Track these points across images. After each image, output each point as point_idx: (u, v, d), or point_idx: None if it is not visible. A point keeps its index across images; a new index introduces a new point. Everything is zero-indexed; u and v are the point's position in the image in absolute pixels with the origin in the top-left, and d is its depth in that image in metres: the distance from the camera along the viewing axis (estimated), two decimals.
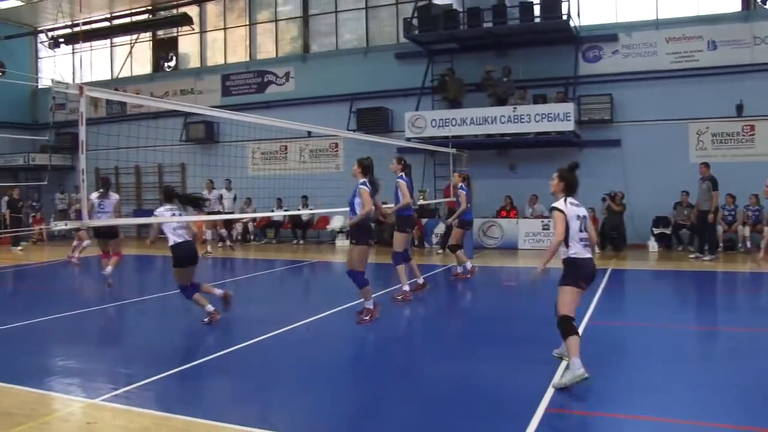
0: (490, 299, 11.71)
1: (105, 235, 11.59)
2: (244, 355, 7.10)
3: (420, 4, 19.78)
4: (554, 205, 5.88)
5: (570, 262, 5.81)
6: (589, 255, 5.83)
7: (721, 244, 16.12)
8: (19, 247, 20.21)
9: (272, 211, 19.68)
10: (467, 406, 5.31)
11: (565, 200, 5.83)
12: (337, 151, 21.25)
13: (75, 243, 14.76)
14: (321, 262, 16.37)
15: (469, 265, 12.52)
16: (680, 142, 17.54)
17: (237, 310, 9.20)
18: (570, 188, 5.88)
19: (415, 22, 19.33)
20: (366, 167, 8.56)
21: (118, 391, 5.66)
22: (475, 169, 16.74)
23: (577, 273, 5.78)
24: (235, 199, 19.26)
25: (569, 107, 17.20)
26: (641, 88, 17.99)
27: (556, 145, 17.94)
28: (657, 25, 18.16)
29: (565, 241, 5.73)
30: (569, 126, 17.12)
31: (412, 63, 20.25)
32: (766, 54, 16.99)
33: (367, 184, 8.42)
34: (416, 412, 5.26)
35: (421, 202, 16.73)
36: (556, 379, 5.69)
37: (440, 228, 18.54)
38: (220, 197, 18.07)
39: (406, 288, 10.20)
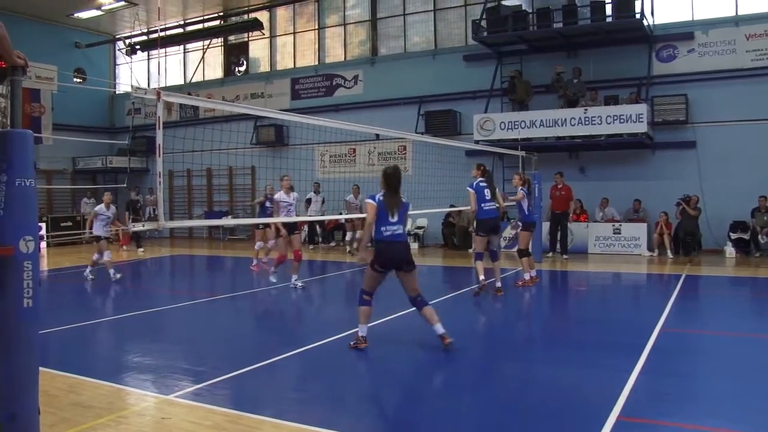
0: (559, 303, 11.58)
1: None
2: (316, 355, 7.23)
3: (489, 5, 19.66)
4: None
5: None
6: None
7: None
8: (141, 249, 20.43)
9: (340, 213, 19.87)
10: (540, 409, 5.34)
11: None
12: (405, 153, 21.31)
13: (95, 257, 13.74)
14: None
15: (534, 272, 12.36)
16: (760, 144, 16.88)
17: (309, 311, 9.37)
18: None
19: (483, 23, 19.20)
20: (386, 176, 7.27)
21: (191, 388, 5.87)
22: (545, 172, 16.56)
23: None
24: (323, 202, 19.07)
25: (642, 108, 16.79)
26: (718, 87, 17.41)
27: (628, 147, 17.57)
28: (736, 21, 17.54)
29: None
30: (642, 128, 16.70)
31: (480, 65, 20.15)
32: None
33: (376, 198, 7.17)
34: (488, 415, 5.29)
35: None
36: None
37: (508, 231, 18.42)
38: (308, 200, 18.38)
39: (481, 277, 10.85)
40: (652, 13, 18.28)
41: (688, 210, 16.32)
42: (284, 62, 24.86)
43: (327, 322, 9.36)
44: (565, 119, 17.54)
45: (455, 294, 11.50)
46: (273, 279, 12.59)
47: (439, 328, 7.09)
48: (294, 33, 24.67)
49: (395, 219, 7.08)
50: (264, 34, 24.90)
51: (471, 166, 11.55)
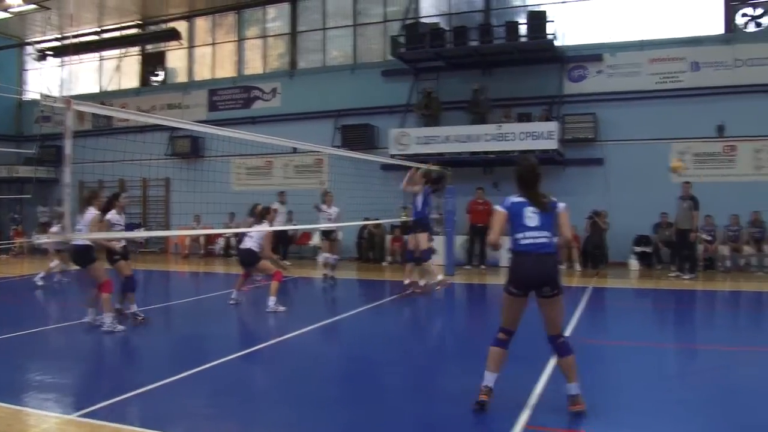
0: (471, 315, 11.72)
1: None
2: (223, 370, 6.99)
3: (407, 22, 19.92)
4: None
5: None
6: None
7: (700, 263, 16.15)
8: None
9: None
10: (445, 420, 5.32)
11: None
12: (322, 167, 21.24)
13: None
14: (303, 278, 16.26)
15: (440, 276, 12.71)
16: (662, 162, 17.53)
17: (213, 327, 9.16)
18: None
19: (402, 39, 19.43)
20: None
21: (94, 407, 5.51)
22: (460, 187, 16.77)
23: None
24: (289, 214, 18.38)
25: (553, 126, 17.29)
26: (625, 107, 18.11)
27: (540, 163, 17.90)
28: (641, 45, 18.31)
29: None
30: (553, 144, 17.19)
31: (398, 80, 20.35)
32: (747, 76, 17.15)
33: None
34: (393, 427, 5.24)
35: (404, 218, 16.72)
36: None
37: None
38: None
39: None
40: (564, 35, 18.86)
41: (600, 224, 16.82)
42: (202, 73, 24.49)
43: (233, 336, 9.15)
44: (479, 135, 17.87)
45: (371, 306, 11.51)
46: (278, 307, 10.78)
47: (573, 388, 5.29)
48: (213, 44, 24.36)
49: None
50: (182, 44, 24.48)
51: (387, 179, 11.67)
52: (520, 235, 5.25)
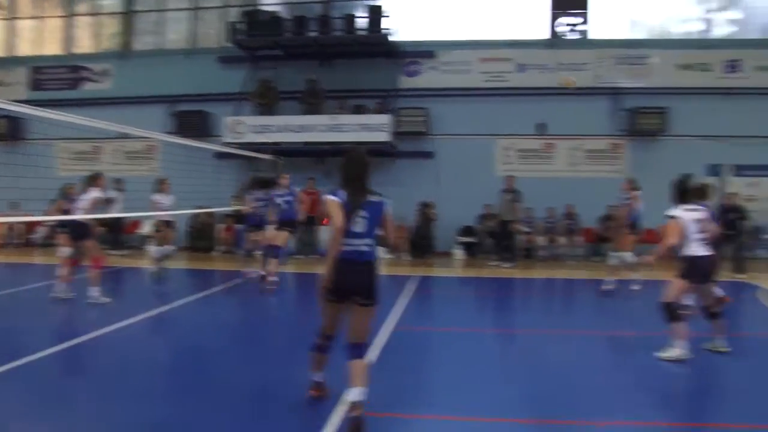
0: (299, 305, 11.76)
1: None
2: (37, 368, 6.56)
3: (247, 9, 19.61)
4: (668, 212, 7.05)
5: (685, 260, 6.96)
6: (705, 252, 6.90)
7: (521, 252, 17.11)
8: None
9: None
10: (259, 410, 5.37)
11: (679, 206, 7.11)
12: (153, 154, 20.48)
13: None
14: (128, 269, 15.65)
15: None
16: (488, 157, 18.52)
17: (28, 321, 8.64)
18: (687, 195, 7.19)
19: (240, 26, 19.10)
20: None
21: None
22: (294, 177, 16.69)
23: (690, 269, 6.97)
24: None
25: (386, 119, 17.68)
26: (455, 103, 18.82)
27: (372, 155, 18.19)
28: (472, 45, 19.09)
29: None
30: (386, 137, 17.60)
31: (235, 67, 19.96)
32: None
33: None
34: (211, 419, 5.17)
35: (235, 207, 16.47)
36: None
37: None
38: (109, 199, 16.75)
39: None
40: (400, 31, 19.28)
41: (428, 215, 17.39)
42: (24, 48, 22.82)
43: (47, 332, 8.61)
44: (314, 125, 17.96)
45: (201, 295, 11.29)
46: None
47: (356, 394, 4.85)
48: (38, 17, 22.75)
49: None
50: (2, 15, 22.72)
51: (221, 168, 11.25)
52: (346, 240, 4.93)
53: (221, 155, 17.94)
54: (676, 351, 6.80)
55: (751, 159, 17.75)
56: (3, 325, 8.85)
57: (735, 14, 19.29)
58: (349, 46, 19.03)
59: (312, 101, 18.54)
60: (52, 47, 22.48)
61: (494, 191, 16.95)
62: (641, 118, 17.85)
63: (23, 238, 20.29)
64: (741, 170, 17.85)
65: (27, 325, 8.68)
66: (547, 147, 18.52)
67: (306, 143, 18.11)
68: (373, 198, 5.05)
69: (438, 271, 15.57)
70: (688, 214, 6.88)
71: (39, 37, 22.72)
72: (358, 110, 18.56)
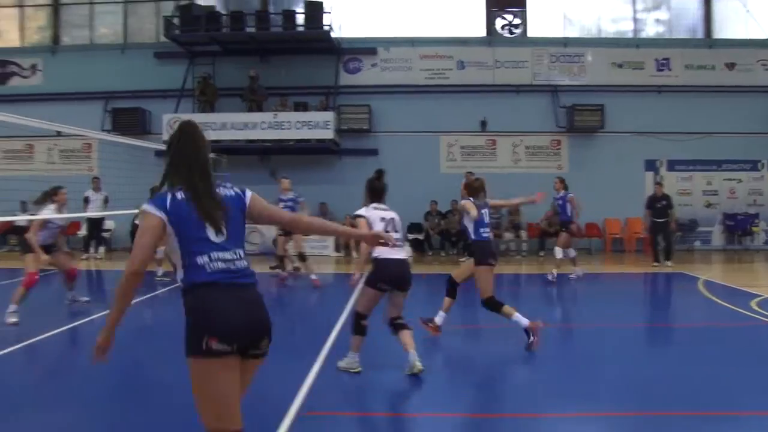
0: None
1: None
2: None
3: (181, 3, 19.18)
4: (357, 212, 6.41)
5: (375, 263, 6.20)
6: (396, 256, 6.21)
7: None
8: None
9: (15, 215, 17.84)
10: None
11: (368, 206, 6.42)
12: (90, 152, 19.84)
13: None
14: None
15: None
16: (432, 154, 18.69)
17: None
18: (374, 195, 6.55)
19: (176, 21, 18.67)
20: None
21: None
22: (236, 175, 16.45)
23: (379, 273, 6.16)
24: (106, 201, 16.57)
25: (329, 116, 17.63)
26: (398, 100, 18.92)
27: (316, 152, 18.26)
28: (413, 42, 19.19)
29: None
30: (329, 134, 17.54)
31: (172, 63, 19.49)
32: (505, 76, 18.77)
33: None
34: (156, 422, 5.07)
35: None
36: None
37: None
38: (86, 199, 16.36)
39: None
40: (340, 27, 19.22)
41: None
42: None
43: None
44: (256, 123, 17.74)
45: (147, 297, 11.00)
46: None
47: None
48: None
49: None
50: None
51: (161, 166, 10.82)
52: (201, 260, 3.08)
53: (162, 153, 17.48)
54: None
55: (684, 155, 18.49)
56: None
57: (663, 14, 20.02)
58: (289, 43, 18.89)
59: (253, 98, 18.30)
60: None
61: (439, 188, 17.16)
62: (579, 115, 18.33)
63: None
64: (675, 165, 18.58)
65: None
66: (489, 143, 18.81)
67: (248, 141, 17.85)
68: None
69: None
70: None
71: None
72: (300, 107, 18.42)
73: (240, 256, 3.15)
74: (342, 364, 6.26)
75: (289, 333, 8.43)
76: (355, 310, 6.44)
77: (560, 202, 13.02)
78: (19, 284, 9.02)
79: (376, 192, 6.64)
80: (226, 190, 3.24)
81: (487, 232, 7.75)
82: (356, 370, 6.17)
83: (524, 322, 7.05)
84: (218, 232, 3.09)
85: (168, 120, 17.98)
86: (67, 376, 6.62)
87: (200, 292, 3.02)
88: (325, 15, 18.20)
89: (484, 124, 18.78)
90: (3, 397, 5.76)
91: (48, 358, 7.43)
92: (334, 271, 15.51)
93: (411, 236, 18.13)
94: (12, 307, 8.81)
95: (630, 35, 19.68)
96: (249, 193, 3.30)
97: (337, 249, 17.72)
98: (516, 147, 18.83)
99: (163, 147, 16.03)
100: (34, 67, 20.66)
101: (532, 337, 6.97)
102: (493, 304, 7.33)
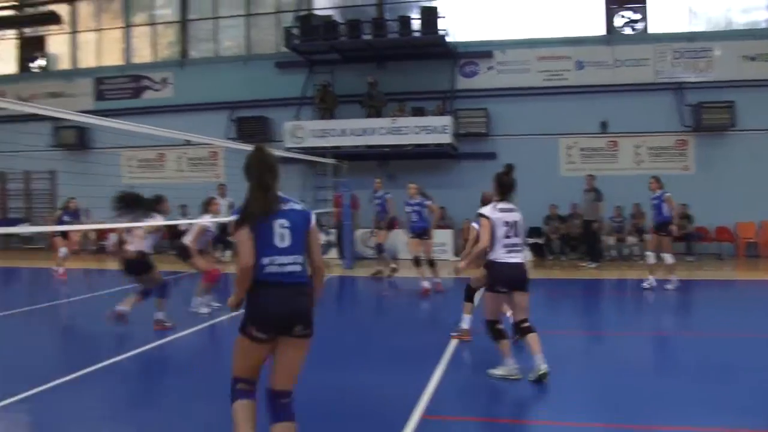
0: (369, 309, 11.83)
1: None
2: (113, 372, 6.80)
3: (300, 14, 19.78)
4: (480, 210, 6.33)
5: (490, 266, 6.22)
6: (513, 260, 6.19)
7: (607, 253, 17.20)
8: None
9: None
10: (342, 415, 5.40)
11: (495, 206, 6.26)
12: (216, 159, 20.80)
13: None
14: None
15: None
16: (551, 156, 18.40)
17: (99, 327, 8.84)
18: (502, 190, 6.36)
19: (295, 31, 19.27)
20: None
21: None
22: (356, 180, 16.86)
23: (496, 277, 6.18)
24: (231, 206, 17.02)
25: (447, 120, 17.67)
26: (515, 103, 18.71)
27: (434, 157, 18.36)
28: (529, 43, 18.95)
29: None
30: (447, 138, 17.58)
31: (292, 72, 20.16)
32: (626, 75, 18.16)
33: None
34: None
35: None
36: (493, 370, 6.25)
37: (321, 238, 18.60)
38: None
39: None
40: (456, 31, 19.25)
41: None
42: (87, 60, 23.36)
43: (129, 335, 8.83)
44: (374, 129, 18.03)
45: None
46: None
47: None
48: (98, 30, 23.28)
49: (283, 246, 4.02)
50: (64, 29, 23.29)
51: (283, 173, 11.23)
52: (266, 260, 3.90)
53: (283, 160, 18.03)
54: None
55: None
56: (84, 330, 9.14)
57: None
58: (405, 49, 19.08)
59: (372, 104, 18.61)
60: (113, 58, 22.98)
61: (559, 191, 16.88)
62: (706, 113, 17.47)
63: (95, 245, 20.83)
64: None
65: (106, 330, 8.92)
66: (610, 145, 18.30)
67: (368, 146, 18.17)
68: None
69: None
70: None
71: (100, 49, 23.22)
72: (418, 112, 18.58)
73: (296, 261, 3.95)
74: (499, 372, 6.21)
75: (412, 337, 8.60)
76: (485, 319, 6.47)
77: (656, 202, 12.31)
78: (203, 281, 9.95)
79: (504, 187, 6.48)
80: (295, 206, 4.07)
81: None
82: (516, 377, 6.10)
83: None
84: (281, 239, 3.91)
85: (289, 127, 18.62)
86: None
87: (256, 287, 3.89)
88: (440, 20, 18.25)
89: (604, 125, 18.29)
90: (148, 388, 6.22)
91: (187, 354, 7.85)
92: (453, 275, 15.49)
93: (530, 240, 17.93)
94: (201, 300, 9.87)
95: (763, 26, 18.59)
96: (313, 217, 4.15)
97: (457, 254, 17.73)
98: (638, 148, 18.21)
99: (285, 154, 16.67)
100: (164, 81, 21.88)
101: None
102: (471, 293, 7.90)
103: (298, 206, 4.08)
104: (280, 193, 4.04)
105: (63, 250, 14.64)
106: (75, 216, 14.82)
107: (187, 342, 8.42)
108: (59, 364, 7.24)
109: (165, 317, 8.86)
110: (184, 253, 9.91)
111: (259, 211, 3.92)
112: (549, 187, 17.63)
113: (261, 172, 4.04)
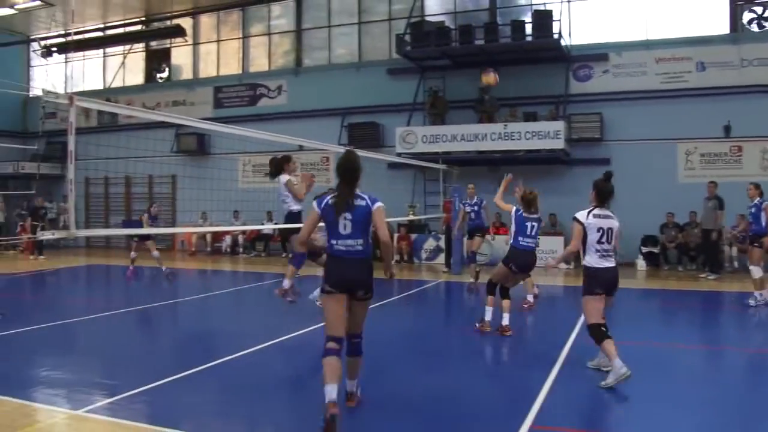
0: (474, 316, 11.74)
1: None
2: (235, 367, 7.07)
3: (413, 20, 19.96)
4: (576, 214, 6.57)
5: (585, 271, 6.47)
6: (606, 264, 6.38)
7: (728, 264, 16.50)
8: (42, 257, 20.10)
9: (262, 224, 19.72)
10: (454, 421, 5.37)
11: (590, 212, 6.47)
12: (328, 165, 21.27)
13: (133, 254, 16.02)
14: (307, 277, 16.31)
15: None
16: (669, 162, 17.71)
17: (224, 324, 9.20)
18: (600, 197, 6.55)
19: (407, 38, 19.47)
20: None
21: (103, 402, 5.61)
22: (466, 186, 16.80)
23: (591, 281, 6.38)
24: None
25: (559, 125, 17.33)
26: (631, 107, 18.15)
27: (546, 162, 18.06)
28: (647, 45, 18.35)
29: (583, 249, 6.38)
30: (559, 144, 17.25)
31: (404, 78, 20.38)
32: (753, 76, 17.19)
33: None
34: (400, 427, 5.28)
35: (411, 217, 16.79)
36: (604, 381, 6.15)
37: (430, 243, 18.68)
38: None
39: None
40: (570, 34, 18.89)
41: None
42: (207, 70, 24.52)
43: (245, 333, 9.17)
44: (486, 134, 17.92)
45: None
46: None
47: (351, 385, 5.61)
48: (218, 41, 24.38)
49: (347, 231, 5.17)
50: (187, 41, 24.49)
51: (394, 178, 11.50)
52: (334, 241, 5.19)
53: (394, 165, 18.34)
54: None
55: None
56: (203, 327, 9.53)
57: None
58: (517, 53, 18.87)
59: (484, 109, 18.53)
60: (231, 68, 23.97)
61: (677, 198, 16.24)
62: None
63: (211, 246, 21.75)
64: None
65: (225, 327, 9.23)
66: (734, 150, 17.42)
67: (479, 152, 18.09)
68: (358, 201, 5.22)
69: (620, 283, 15.00)
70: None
71: (219, 59, 24.29)
72: (530, 117, 18.35)
73: (358, 243, 5.15)
74: (610, 381, 6.05)
75: (522, 347, 8.51)
76: (587, 324, 6.50)
77: (753, 210, 11.50)
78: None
79: (601, 194, 6.63)
80: (361, 201, 5.17)
81: (526, 242, 8.79)
82: (626, 376, 5.98)
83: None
84: (344, 226, 5.14)
85: (401, 133, 18.79)
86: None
87: (329, 259, 5.24)
88: (554, 23, 17.96)
89: (728, 129, 17.41)
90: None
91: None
92: (563, 283, 15.23)
93: (645, 249, 17.34)
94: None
95: None
96: (376, 205, 5.19)
97: (567, 261, 17.37)
98: (765, 153, 17.21)
99: (396, 159, 16.86)
100: (279, 88, 22.63)
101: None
102: (492, 287, 8.87)
103: (364, 202, 5.18)
104: (357, 191, 5.17)
105: (133, 254, 16.05)
106: (154, 220, 15.48)
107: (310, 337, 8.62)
108: (179, 359, 7.61)
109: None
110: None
111: (338, 206, 5.12)
112: (666, 194, 17.01)
113: (346, 171, 5.21)
